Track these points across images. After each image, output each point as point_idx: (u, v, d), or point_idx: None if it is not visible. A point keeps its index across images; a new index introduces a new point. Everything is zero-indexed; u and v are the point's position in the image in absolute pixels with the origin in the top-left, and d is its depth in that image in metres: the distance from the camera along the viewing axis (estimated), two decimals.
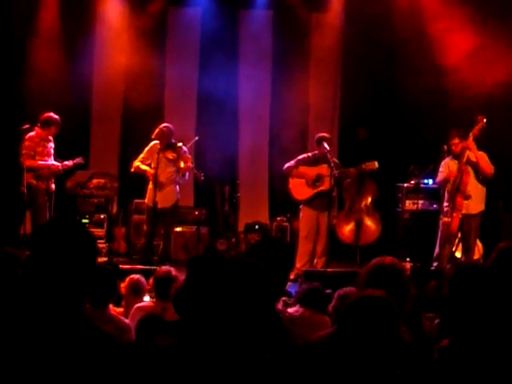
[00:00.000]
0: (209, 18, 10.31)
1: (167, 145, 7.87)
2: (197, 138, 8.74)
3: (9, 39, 9.72)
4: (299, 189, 7.86)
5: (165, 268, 4.97)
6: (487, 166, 7.41)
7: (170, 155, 7.88)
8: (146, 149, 8.02)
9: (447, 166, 7.63)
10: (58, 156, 8.37)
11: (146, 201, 8.16)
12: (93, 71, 10.37)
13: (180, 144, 7.91)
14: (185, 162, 7.94)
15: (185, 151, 7.99)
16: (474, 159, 7.42)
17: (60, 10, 9.95)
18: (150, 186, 8.02)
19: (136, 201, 9.40)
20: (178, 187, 8.10)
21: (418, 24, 9.42)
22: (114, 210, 9.96)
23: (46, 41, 9.84)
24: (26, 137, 8.00)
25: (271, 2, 10.52)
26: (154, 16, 10.38)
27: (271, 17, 10.70)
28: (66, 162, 8.33)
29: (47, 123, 8.06)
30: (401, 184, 9.46)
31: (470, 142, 7.35)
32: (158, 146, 7.89)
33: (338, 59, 10.58)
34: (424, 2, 9.56)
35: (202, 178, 8.24)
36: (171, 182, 7.93)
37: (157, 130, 7.94)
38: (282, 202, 9.79)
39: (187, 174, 8.12)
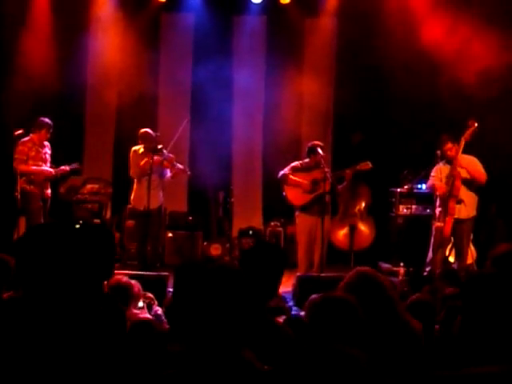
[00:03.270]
0: (202, 24, 10.32)
1: (152, 150, 7.92)
2: (187, 120, 8.75)
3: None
4: (296, 195, 7.81)
5: (115, 278, 4.93)
6: (480, 175, 7.42)
7: (157, 160, 7.95)
8: (131, 156, 8.09)
9: (439, 171, 7.65)
10: (52, 162, 8.37)
11: (132, 204, 8.24)
12: (86, 77, 10.37)
13: (160, 146, 7.99)
14: (171, 164, 8.03)
15: (165, 153, 8.04)
16: (466, 175, 7.43)
17: (52, 13, 9.94)
18: (135, 186, 8.08)
19: (130, 206, 9.41)
20: (161, 192, 8.16)
21: (411, 27, 9.45)
22: (108, 215, 9.96)
23: (38, 45, 9.81)
24: (19, 142, 8.04)
25: (265, 8, 10.53)
26: (148, 22, 10.38)
27: (265, 22, 10.72)
28: (62, 167, 8.36)
29: (38, 127, 8.13)
30: (394, 189, 9.48)
31: (458, 160, 7.36)
32: (141, 151, 7.98)
33: (332, 64, 10.60)
34: (416, 6, 9.60)
35: (189, 172, 8.39)
36: (156, 187, 7.98)
37: (139, 135, 8.07)
38: (275, 207, 9.80)
39: (169, 172, 8.15)
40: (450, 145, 7.49)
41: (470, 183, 7.46)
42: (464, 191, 7.44)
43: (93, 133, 10.57)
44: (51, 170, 8.26)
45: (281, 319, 4.37)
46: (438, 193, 7.59)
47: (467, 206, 7.48)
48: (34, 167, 8.11)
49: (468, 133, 7.36)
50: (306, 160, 7.88)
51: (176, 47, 10.66)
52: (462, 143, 7.39)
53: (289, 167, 7.87)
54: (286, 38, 10.49)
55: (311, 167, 7.79)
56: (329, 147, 10.24)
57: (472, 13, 9.07)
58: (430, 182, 7.82)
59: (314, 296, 4.65)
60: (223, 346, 2.17)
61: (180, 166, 8.18)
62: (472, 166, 7.45)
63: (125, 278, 4.78)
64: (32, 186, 8.08)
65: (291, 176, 7.80)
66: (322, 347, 2.40)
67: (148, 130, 8.13)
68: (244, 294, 2.24)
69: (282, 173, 7.85)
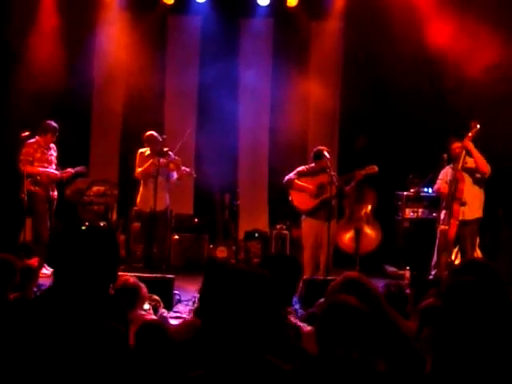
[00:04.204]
0: (209, 27, 10.32)
1: (158, 152, 7.93)
2: (189, 131, 8.72)
3: (7, 44, 9.73)
4: (302, 199, 7.80)
5: (122, 278, 4.91)
6: (484, 165, 7.40)
7: (163, 162, 7.97)
8: (138, 158, 8.12)
9: (445, 175, 7.65)
10: (58, 163, 8.40)
11: (138, 206, 8.24)
12: (93, 79, 10.40)
13: (166, 149, 8.00)
14: (177, 167, 8.02)
15: (173, 157, 8.06)
16: (471, 165, 7.42)
17: (60, 14, 9.95)
18: (141, 188, 8.09)
19: (136, 208, 9.42)
20: (167, 195, 8.17)
21: (417, 30, 9.44)
22: (114, 217, 9.97)
23: (45, 46, 9.84)
24: (25, 143, 8.08)
25: (271, 11, 10.53)
26: (155, 24, 10.40)
27: (271, 25, 10.73)
28: (68, 170, 8.39)
29: (43, 130, 8.17)
30: (401, 192, 9.47)
31: (468, 142, 7.36)
32: (147, 153, 7.99)
33: (338, 67, 10.60)
34: (424, 10, 9.58)
35: (195, 175, 8.42)
36: (162, 189, 7.97)
37: (144, 138, 8.07)
38: (281, 210, 9.79)
39: (175, 174, 8.15)
40: (458, 143, 7.50)
41: (473, 175, 7.41)
42: (468, 192, 7.43)
43: (99, 135, 10.58)
44: (56, 172, 8.29)
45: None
46: (443, 195, 7.60)
47: (471, 207, 7.47)
48: (40, 169, 8.15)
49: (470, 135, 7.36)
50: (312, 164, 7.87)
51: (183, 49, 10.67)
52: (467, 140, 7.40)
53: (294, 172, 7.85)
54: (293, 40, 10.48)
55: (317, 171, 7.78)
56: (335, 150, 10.24)
57: (478, 14, 9.06)
58: (436, 186, 7.82)
59: (322, 300, 4.67)
60: (247, 347, 2.18)
61: (186, 169, 8.19)
62: (479, 155, 7.40)
63: (132, 279, 4.76)
64: (37, 188, 8.11)
65: (297, 181, 7.79)
66: (336, 356, 2.40)
67: (154, 132, 8.15)
68: (268, 298, 2.28)
69: (287, 178, 7.84)
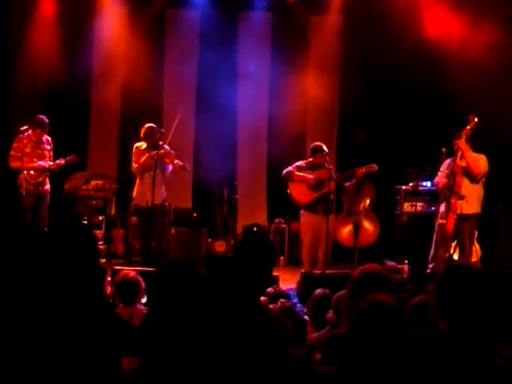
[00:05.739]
0: (208, 20, 10.31)
1: (153, 145, 7.91)
2: (179, 116, 8.54)
3: (5, 41, 9.71)
4: (301, 192, 7.81)
5: (123, 272, 4.90)
6: (475, 166, 7.37)
7: (160, 153, 7.94)
8: (134, 152, 8.07)
9: (447, 167, 7.63)
10: (55, 157, 8.35)
11: (134, 200, 8.23)
12: (91, 73, 10.38)
13: (161, 142, 7.97)
14: (170, 159, 8.00)
15: (167, 149, 8.02)
16: (463, 164, 7.40)
17: (58, 8, 9.94)
18: (137, 182, 8.08)
19: (134, 202, 9.41)
20: (163, 188, 8.16)
21: (417, 25, 9.44)
22: (113, 211, 9.96)
23: (44, 40, 9.82)
24: (16, 138, 8.02)
25: (270, 5, 10.52)
26: (153, 18, 10.38)
27: (270, 19, 10.71)
28: (58, 161, 8.29)
29: (34, 124, 8.08)
30: (399, 186, 9.47)
31: (463, 143, 7.34)
32: (143, 147, 7.97)
33: (337, 62, 10.59)
34: (423, 5, 9.58)
35: (189, 169, 8.40)
36: (158, 182, 7.94)
37: (144, 130, 8.00)
38: (280, 204, 9.79)
39: (170, 166, 8.11)
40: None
41: (467, 173, 7.40)
42: (466, 187, 7.41)
43: (97, 128, 10.56)
44: (44, 163, 8.20)
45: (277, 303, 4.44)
46: (441, 188, 7.59)
47: (469, 202, 7.45)
48: (32, 164, 8.08)
49: (469, 128, 7.35)
50: (310, 159, 7.89)
51: (181, 43, 10.65)
52: (463, 138, 7.39)
53: (293, 165, 7.88)
54: (291, 34, 10.46)
55: (315, 166, 7.79)
56: (334, 143, 10.25)
57: (478, 9, 9.05)
58: (436, 179, 7.81)
59: (318, 291, 4.65)
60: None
61: (179, 162, 8.13)
62: (472, 156, 7.40)
63: (132, 273, 4.73)
64: (26, 183, 8.04)
65: (296, 172, 7.81)
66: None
67: (152, 125, 8.10)
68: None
69: (286, 170, 7.86)
